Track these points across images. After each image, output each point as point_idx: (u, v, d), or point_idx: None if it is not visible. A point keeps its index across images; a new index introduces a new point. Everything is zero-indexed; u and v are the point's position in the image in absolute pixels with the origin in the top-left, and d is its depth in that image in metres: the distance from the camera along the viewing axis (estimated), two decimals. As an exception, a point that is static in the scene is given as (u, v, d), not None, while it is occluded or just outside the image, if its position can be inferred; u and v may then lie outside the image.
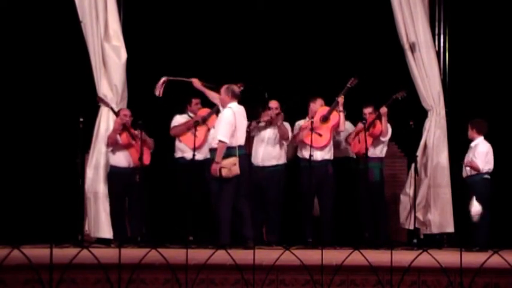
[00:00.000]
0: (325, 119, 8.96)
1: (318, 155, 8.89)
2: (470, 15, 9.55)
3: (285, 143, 9.13)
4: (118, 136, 8.93)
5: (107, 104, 9.21)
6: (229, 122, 8.17)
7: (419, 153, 9.17)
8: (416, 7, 9.15)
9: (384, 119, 8.97)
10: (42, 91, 9.82)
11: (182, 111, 9.38)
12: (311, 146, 8.69)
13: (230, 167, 8.10)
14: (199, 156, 8.92)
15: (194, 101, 9.32)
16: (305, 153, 8.90)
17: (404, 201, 9.23)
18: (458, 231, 9.05)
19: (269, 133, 9.10)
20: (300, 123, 9.20)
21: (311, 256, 5.54)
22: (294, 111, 9.28)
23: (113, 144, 8.95)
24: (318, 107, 9.07)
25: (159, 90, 8.99)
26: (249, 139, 9.04)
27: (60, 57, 9.78)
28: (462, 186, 8.76)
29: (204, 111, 9.22)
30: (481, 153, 8.60)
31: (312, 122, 8.75)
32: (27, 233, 8.58)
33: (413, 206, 8.95)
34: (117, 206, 9.01)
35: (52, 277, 4.81)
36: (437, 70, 9.25)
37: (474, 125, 8.74)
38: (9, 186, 9.56)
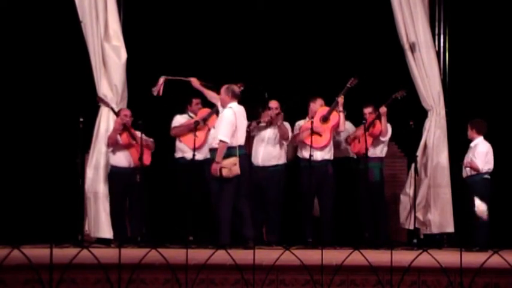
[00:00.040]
0: (325, 119, 8.96)
1: (318, 155, 8.89)
2: (470, 15, 9.55)
3: (285, 143, 9.13)
4: (118, 136, 8.93)
5: (107, 104, 9.21)
6: (230, 121, 8.17)
7: (419, 153, 9.17)
8: (416, 7, 9.15)
9: (384, 118, 8.97)
10: (42, 91, 9.81)
11: (182, 111, 9.38)
12: (311, 146, 8.69)
13: (230, 167, 8.10)
14: (200, 156, 8.92)
15: (195, 101, 9.32)
16: (305, 153, 8.90)
17: (404, 201, 9.23)
18: (458, 231, 9.05)
19: (269, 133, 9.10)
20: (300, 123, 9.20)
21: (311, 256, 5.54)
22: (294, 111, 9.28)
23: (113, 144, 8.95)
24: (318, 107, 9.06)
25: (157, 90, 8.99)
26: (249, 139, 9.04)
27: (60, 57, 9.78)
28: (462, 186, 8.76)
29: (205, 112, 9.22)
30: (481, 153, 8.60)
31: (312, 122, 8.75)
32: (27, 233, 8.58)
33: (413, 206, 8.95)
34: (118, 206, 9.01)
35: (52, 277, 4.81)
36: (437, 70, 9.26)
37: (474, 125, 8.74)
38: (10, 186, 9.56)
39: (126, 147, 8.99)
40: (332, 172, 8.99)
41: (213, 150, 8.41)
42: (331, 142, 9.03)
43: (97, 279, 5.66)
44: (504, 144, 9.11)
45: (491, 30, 9.55)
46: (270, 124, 9.08)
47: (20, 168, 9.64)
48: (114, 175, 9.03)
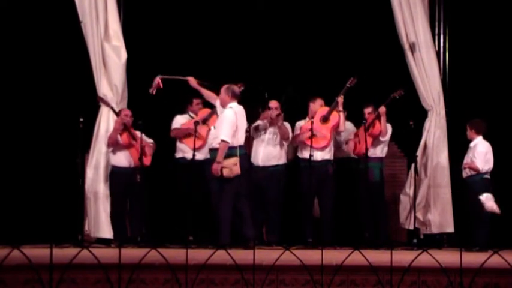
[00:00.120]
0: (325, 119, 8.96)
1: (318, 155, 8.89)
2: (470, 15, 9.55)
3: (285, 143, 9.13)
4: (119, 136, 8.93)
5: (107, 104, 9.20)
6: (232, 121, 8.17)
7: (419, 153, 9.17)
8: (416, 7, 9.15)
9: (383, 118, 8.96)
10: (42, 91, 9.81)
11: (183, 112, 9.39)
12: (311, 147, 8.69)
13: (231, 167, 8.10)
14: (200, 156, 8.92)
15: (195, 101, 9.32)
16: (305, 154, 8.90)
17: (404, 201, 9.23)
18: (458, 231, 9.06)
19: (269, 133, 9.10)
20: (300, 123, 9.20)
21: (311, 256, 5.54)
22: (294, 111, 9.28)
23: (114, 144, 8.95)
24: (318, 107, 9.07)
25: (152, 90, 8.98)
26: (249, 139, 9.04)
27: (60, 58, 9.77)
28: (462, 186, 8.77)
29: (205, 112, 9.22)
30: (481, 153, 8.61)
31: (312, 123, 8.75)
32: (27, 233, 8.57)
33: (413, 206, 8.95)
34: (118, 206, 9.01)
35: (52, 277, 4.81)
36: (437, 70, 9.26)
37: (472, 125, 8.75)
38: (10, 186, 9.56)
39: (127, 147, 8.99)
40: (332, 172, 8.99)
41: (213, 150, 8.42)
42: (332, 142, 9.03)
43: (97, 279, 5.66)
44: (504, 144, 9.11)
45: (491, 30, 9.55)
46: (270, 124, 9.07)
47: (20, 168, 9.63)
48: (115, 175, 9.03)
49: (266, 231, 9.15)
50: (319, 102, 9.11)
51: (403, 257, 5.96)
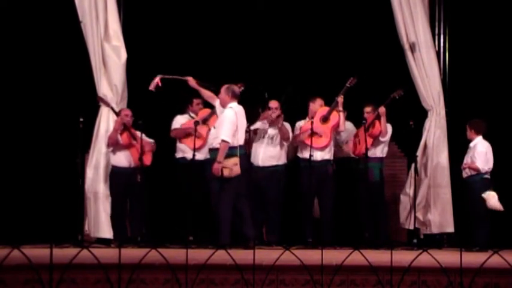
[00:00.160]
0: (325, 119, 8.96)
1: (318, 155, 8.89)
2: (470, 15, 9.55)
3: (285, 143, 9.13)
4: (119, 136, 8.93)
5: (108, 104, 9.20)
6: (232, 122, 8.17)
7: (419, 153, 9.17)
8: (416, 7, 9.15)
9: (383, 118, 8.96)
10: (42, 91, 9.81)
11: (183, 112, 9.38)
12: (311, 147, 8.68)
13: (232, 167, 8.10)
14: (200, 156, 8.92)
15: (195, 101, 9.31)
16: (305, 154, 8.90)
17: (404, 201, 9.23)
18: (458, 231, 9.06)
19: (269, 133, 9.10)
20: (300, 123, 9.19)
21: (311, 256, 5.54)
22: (294, 111, 9.27)
23: (114, 144, 8.95)
24: (318, 107, 9.06)
25: (152, 87, 8.95)
26: (249, 139, 9.04)
27: (60, 58, 9.77)
28: (462, 186, 8.77)
29: (206, 112, 9.22)
30: (481, 153, 8.61)
31: (312, 123, 8.75)
32: (27, 233, 8.57)
33: (413, 206, 8.95)
34: (118, 206, 9.01)
35: (52, 277, 4.81)
36: (437, 70, 9.26)
37: (472, 126, 8.75)
38: (10, 186, 9.56)
39: (127, 147, 8.98)
40: (332, 172, 8.99)
41: (213, 150, 8.42)
42: (332, 142, 9.03)
43: (97, 279, 5.66)
44: (504, 144, 9.11)
45: (491, 30, 9.55)
46: (270, 125, 9.07)
47: (20, 168, 9.64)
48: (115, 175, 9.03)
49: (266, 231, 9.15)
50: (319, 102, 9.11)
51: (403, 257, 5.96)
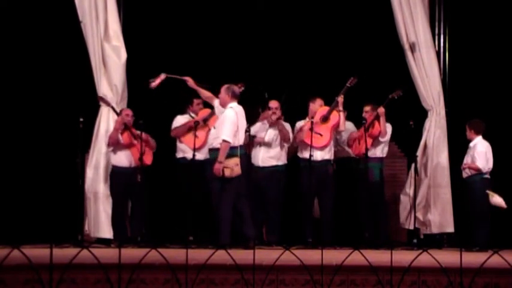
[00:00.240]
0: (325, 119, 8.96)
1: (318, 155, 8.89)
2: (470, 15, 9.55)
3: (286, 144, 9.12)
4: (119, 136, 8.93)
5: (108, 104, 9.20)
6: (233, 122, 8.17)
7: (419, 153, 9.17)
8: (416, 7, 9.15)
9: (382, 119, 8.96)
10: (42, 91, 9.81)
11: (183, 112, 9.38)
12: (311, 146, 8.68)
13: (233, 167, 8.10)
14: (200, 156, 8.92)
15: (196, 101, 9.31)
16: (305, 154, 8.90)
17: (404, 201, 9.23)
18: (458, 231, 9.06)
19: (269, 134, 9.10)
20: (300, 123, 9.19)
21: (311, 256, 5.54)
22: (294, 111, 9.27)
23: (114, 144, 8.94)
24: (318, 107, 9.06)
25: (154, 85, 8.93)
26: (249, 141, 9.03)
27: (60, 58, 9.78)
28: (462, 186, 8.77)
29: (206, 112, 9.22)
30: (481, 153, 8.61)
31: (311, 122, 8.75)
32: (27, 233, 8.58)
33: (413, 206, 8.95)
34: (118, 206, 9.01)
35: (52, 277, 4.81)
36: (437, 70, 9.26)
37: (471, 126, 8.76)
38: (10, 186, 9.56)
39: (127, 146, 8.98)
40: (332, 172, 8.99)
41: (213, 151, 8.42)
42: (332, 142, 9.03)
43: (97, 279, 5.66)
44: (504, 144, 9.11)
45: (491, 30, 9.55)
46: (270, 125, 9.06)
47: (20, 168, 9.64)
48: (115, 175, 9.03)
49: (266, 231, 9.15)
50: (319, 102, 9.11)
51: (403, 257, 5.96)
